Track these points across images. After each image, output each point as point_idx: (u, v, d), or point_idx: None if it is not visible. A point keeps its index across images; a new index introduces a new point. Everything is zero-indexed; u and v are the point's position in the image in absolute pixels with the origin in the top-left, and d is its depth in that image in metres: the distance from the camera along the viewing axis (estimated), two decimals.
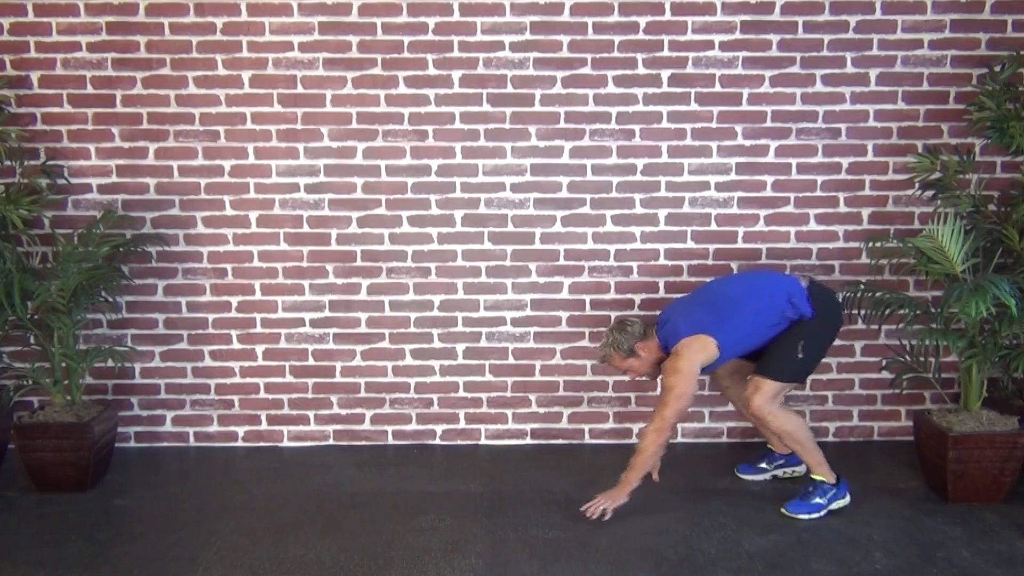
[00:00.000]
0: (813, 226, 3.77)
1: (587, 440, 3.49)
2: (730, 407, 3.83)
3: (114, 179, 3.71)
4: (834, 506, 3.09)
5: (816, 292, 3.12)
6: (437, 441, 3.89)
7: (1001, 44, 3.60)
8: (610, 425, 3.86)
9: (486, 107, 3.69)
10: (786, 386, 3.15)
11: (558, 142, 3.71)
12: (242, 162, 3.71)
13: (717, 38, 3.65)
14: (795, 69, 3.67)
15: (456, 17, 3.63)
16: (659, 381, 3.24)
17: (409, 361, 3.84)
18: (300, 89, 3.67)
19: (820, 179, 3.74)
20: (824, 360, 3.81)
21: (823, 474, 3.11)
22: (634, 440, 3.85)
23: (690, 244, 3.78)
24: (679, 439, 3.88)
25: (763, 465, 3.45)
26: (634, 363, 3.18)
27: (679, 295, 3.76)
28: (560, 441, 3.86)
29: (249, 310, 3.80)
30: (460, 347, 3.83)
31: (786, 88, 3.68)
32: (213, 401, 3.85)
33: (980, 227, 3.29)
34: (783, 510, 3.09)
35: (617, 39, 3.65)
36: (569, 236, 3.77)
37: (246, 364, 3.83)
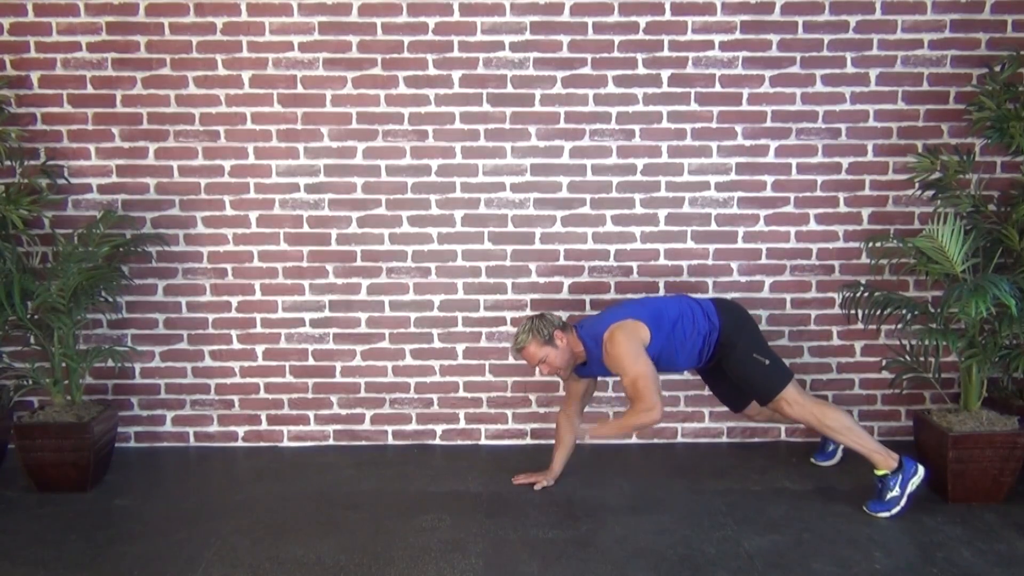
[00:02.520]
0: (813, 226, 3.77)
1: (587, 440, 3.49)
2: None
3: (114, 179, 3.71)
4: (911, 488, 3.05)
5: (720, 302, 3.25)
6: (437, 441, 3.89)
7: (1001, 44, 3.60)
8: None
9: (486, 107, 3.69)
10: (791, 387, 3.10)
11: (558, 142, 3.71)
12: (242, 162, 3.71)
13: (717, 38, 3.65)
14: (795, 69, 3.67)
15: (456, 17, 3.63)
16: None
17: (409, 361, 3.84)
18: (300, 89, 3.67)
19: (820, 179, 3.74)
20: (824, 360, 3.84)
21: (881, 464, 3.08)
22: (633, 440, 3.87)
23: (690, 244, 3.78)
24: (679, 439, 3.88)
25: (830, 448, 3.51)
26: (550, 352, 3.13)
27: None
28: None
29: (249, 310, 3.80)
30: (460, 347, 3.83)
31: (786, 88, 3.68)
32: (213, 401, 3.85)
33: (980, 227, 3.29)
34: (865, 508, 3.09)
35: (617, 39, 3.65)
36: (569, 236, 3.77)
37: (246, 364, 3.83)
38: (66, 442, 3.30)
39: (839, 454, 3.52)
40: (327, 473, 3.55)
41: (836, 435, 3.12)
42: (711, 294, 3.75)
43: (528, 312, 3.78)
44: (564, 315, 3.79)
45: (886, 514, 3.04)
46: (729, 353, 3.14)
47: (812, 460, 3.56)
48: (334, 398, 3.86)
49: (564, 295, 3.80)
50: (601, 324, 3.12)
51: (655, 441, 3.89)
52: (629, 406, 3.02)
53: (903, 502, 3.04)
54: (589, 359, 3.17)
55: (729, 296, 3.76)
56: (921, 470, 3.07)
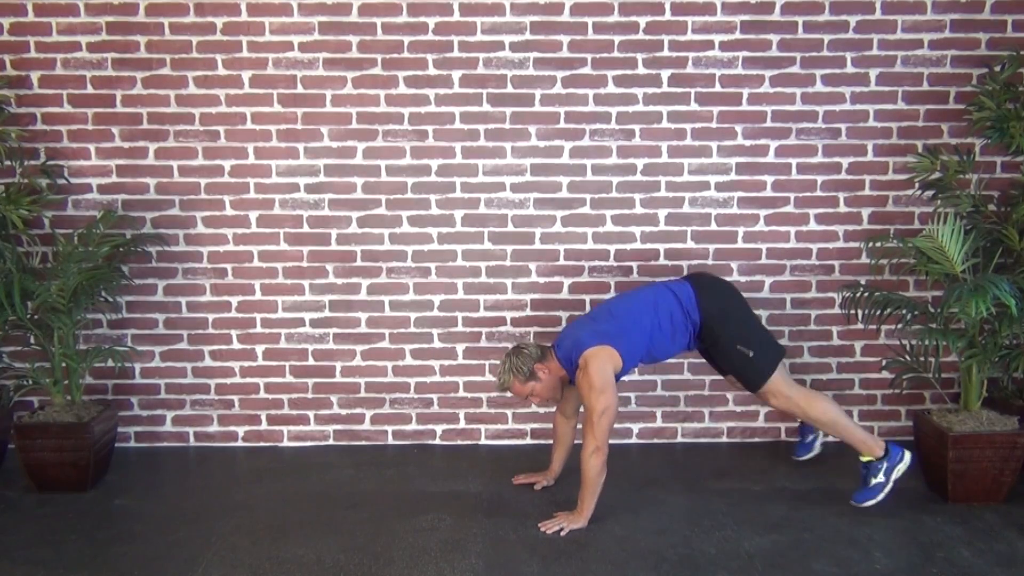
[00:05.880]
0: (813, 226, 3.77)
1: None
2: (730, 407, 3.84)
3: (114, 179, 3.71)
4: (897, 474, 3.06)
5: (701, 285, 3.17)
6: (437, 441, 3.89)
7: (1001, 44, 3.60)
8: None
9: (486, 107, 3.69)
10: (777, 374, 3.09)
11: (558, 142, 3.71)
12: (242, 162, 3.71)
13: (717, 38, 3.65)
14: (795, 69, 3.67)
15: (456, 17, 3.63)
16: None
17: (409, 361, 3.84)
18: (300, 89, 3.67)
19: (820, 179, 3.74)
20: (824, 360, 3.84)
21: (868, 451, 3.09)
22: (633, 440, 3.87)
23: (690, 244, 3.78)
24: (679, 439, 3.88)
25: (808, 439, 3.50)
26: (535, 386, 3.13)
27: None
28: None
29: (249, 310, 3.80)
30: (460, 347, 3.83)
31: (786, 88, 3.68)
32: (213, 401, 3.85)
33: (980, 227, 3.29)
34: (852, 502, 3.09)
35: (617, 39, 3.65)
36: (569, 236, 3.77)
37: (246, 364, 3.83)
38: (66, 442, 3.31)
39: (818, 444, 3.49)
40: (327, 473, 3.55)
41: (822, 427, 3.14)
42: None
43: (528, 312, 3.79)
44: (564, 315, 3.80)
45: (871, 502, 3.06)
46: (713, 344, 3.14)
47: (795, 458, 3.54)
48: (334, 398, 3.86)
49: (564, 295, 3.80)
50: (578, 346, 3.06)
51: (655, 441, 3.89)
52: (584, 437, 2.98)
53: (887, 488, 3.05)
54: (570, 375, 3.17)
55: None
56: (907, 456, 3.09)
